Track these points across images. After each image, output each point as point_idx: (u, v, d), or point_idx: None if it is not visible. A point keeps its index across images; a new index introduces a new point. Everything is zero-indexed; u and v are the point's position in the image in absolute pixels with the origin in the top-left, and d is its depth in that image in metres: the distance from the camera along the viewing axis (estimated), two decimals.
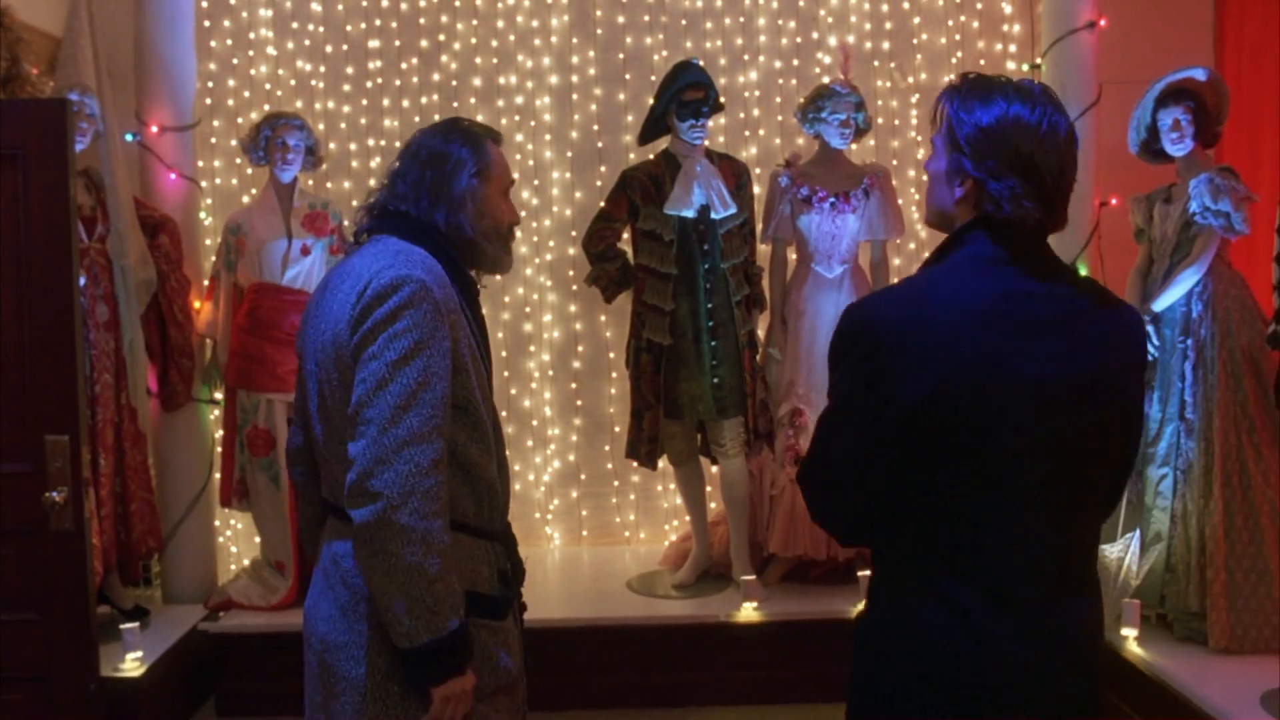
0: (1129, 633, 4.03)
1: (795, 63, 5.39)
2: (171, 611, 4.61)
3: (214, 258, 4.76)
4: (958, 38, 5.41)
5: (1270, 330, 3.58)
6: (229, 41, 5.32)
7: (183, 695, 4.40)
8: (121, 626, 4.03)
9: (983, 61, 5.38)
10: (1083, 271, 4.65)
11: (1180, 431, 4.06)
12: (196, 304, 4.66)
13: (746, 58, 5.39)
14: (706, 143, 4.58)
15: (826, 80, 4.75)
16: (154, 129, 4.62)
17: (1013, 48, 5.38)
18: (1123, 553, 4.17)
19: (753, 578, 4.49)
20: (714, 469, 4.75)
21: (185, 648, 4.37)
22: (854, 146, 4.74)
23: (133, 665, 4.00)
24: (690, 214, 4.46)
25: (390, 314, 1.98)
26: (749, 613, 4.39)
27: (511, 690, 2.20)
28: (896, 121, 5.38)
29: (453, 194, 2.15)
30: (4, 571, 3.35)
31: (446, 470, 2.00)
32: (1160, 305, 4.13)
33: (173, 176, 4.64)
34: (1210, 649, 3.92)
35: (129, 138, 4.60)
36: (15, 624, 3.39)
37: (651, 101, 4.61)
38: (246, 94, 5.34)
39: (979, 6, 5.39)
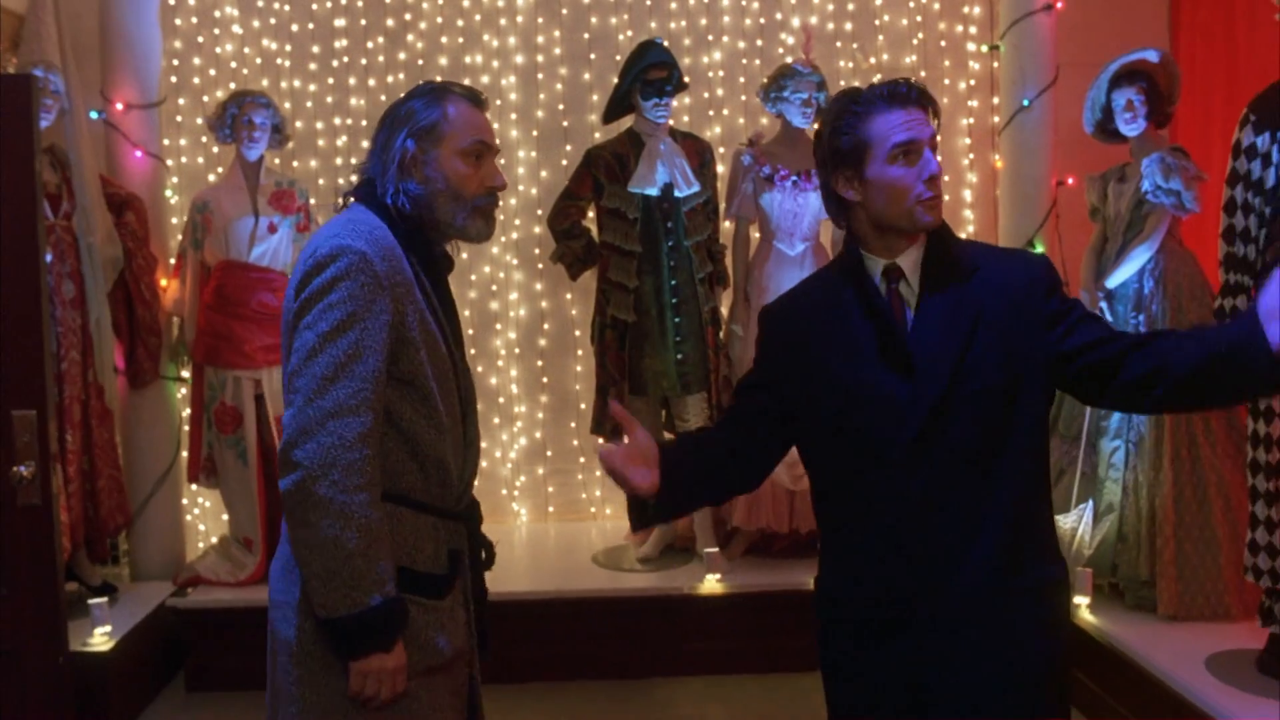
0: (1081, 600, 4.13)
1: (759, 43, 5.45)
2: (140, 588, 4.63)
3: (180, 236, 4.77)
4: (919, 19, 5.48)
5: (1216, 305, 3.67)
6: (194, 19, 5.32)
7: (152, 670, 4.43)
8: (90, 601, 4.06)
9: (943, 43, 5.46)
10: (1039, 249, 4.75)
11: None
12: (163, 282, 4.68)
13: (711, 38, 5.44)
14: (670, 121, 4.63)
15: (789, 60, 4.80)
16: (119, 106, 4.62)
17: (973, 29, 5.46)
18: (1076, 523, 4.27)
19: (716, 551, 4.57)
20: None
21: (154, 623, 4.40)
22: (816, 125, 4.79)
23: (101, 640, 4.03)
24: (654, 192, 4.51)
25: (326, 284, 1.96)
26: (712, 585, 4.46)
27: (449, 670, 2.14)
28: None
29: (395, 156, 2.09)
30: None
31: (376, 444, 1.97)
32: (1113, 282, 4.22)
33: (138, 154, 4.65)
34: (1159, 616, 4.03)
35: (94, 115, 4.60)
36: None
37: (616, 81, 4.66)
38: (212, 72, 5.34)
39: None
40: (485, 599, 2.27)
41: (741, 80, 5.42)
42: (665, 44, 4.65)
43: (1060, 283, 2.07)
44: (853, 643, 2.06)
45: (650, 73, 4.47)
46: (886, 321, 2.01)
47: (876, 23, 5.46)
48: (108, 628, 4.06)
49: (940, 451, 1.95)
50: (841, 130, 2.01)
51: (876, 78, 5.46)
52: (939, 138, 2.04)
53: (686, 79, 4.71)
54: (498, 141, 2.17)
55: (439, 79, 2.35)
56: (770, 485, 4.54)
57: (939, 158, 2.02)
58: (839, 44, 5.44)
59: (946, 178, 5.29)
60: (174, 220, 5.01)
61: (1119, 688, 3.85)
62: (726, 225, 4.82)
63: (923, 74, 5.35)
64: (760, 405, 2.13)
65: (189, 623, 4.46)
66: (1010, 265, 2.06)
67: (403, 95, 2.18)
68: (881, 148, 1.97)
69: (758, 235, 4.80)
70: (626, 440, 2.01)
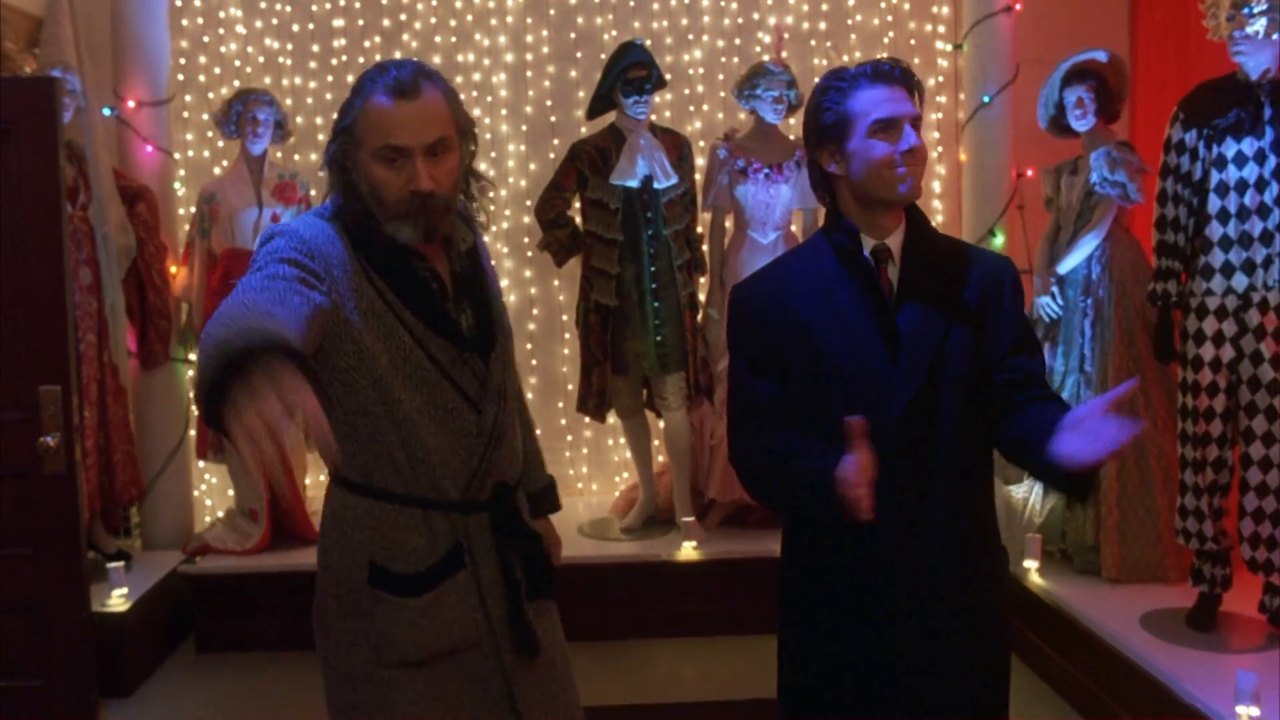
0: (1031, 565, 4.43)
1: (737, 42, 5.73)
2: (152, 557, 4.93)
3: (188, 225, 5.06)
4: (890, 19, 5.76)
5: (1149, 289, 3.95)
6: (200, 20, 5.60)
7: (164, 632, 4.73)
8: (108, 565, 4.36)
9: (913, 41, 5.74)
10: (999, 238, 5.03)
11: (1080, 383, 4.45)
12: (173, 269, 4.96)
13: (691, 37, 5.72)
14: (652, 117, 4.91)
15: (764, 59, 5.08)
16: (130, 104, 4.90)
17: (941, 28, 5.74)
18: (1027, 493, 4.57)
19: (693, 520, 4.87)
20: (660, 423, 5.10)
21: (166, 588, 4.70)
22: (792, 121, 5.08)
23: (119, 601, 4.33)
24: (634, 184, 4.79)
25: (261, 256, 1.94)
26: (690, 552, 4.76)
27: (442, 664, 2.09)
28: None
29: (325, 158, 2.04)
30: (1, 511, 3.67)
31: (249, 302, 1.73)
32: (1064, 268, 4.51)
33: (149, 149, 4.93)
34: (1103, 578, 4.32)
35: (106, 112, 4.88)
36: (11, 559, 3.69)
37: (599, 79, 4.94)
38: (217, 70, 5.62)
39: None
40: (524, 586, 2.17)
41: (720, 77, 5.70)
42: (646, 44, 4.93)
43: (1023, 292, 2.16)
44: (816, 624, 2.11)
45: (631, 72, 4.74)
46: (881, 301, 2.04)
47: (849, 22, 5.74)
48: (124, 590, 4.35)
49: (922, 436, 2.00)
50: (825, 106, 2.06)
51: (849, 67, 5.74)
52: (921, 118, 2.06)
53: (668, 76, 4.99)
54: (435, 136, 1.97)
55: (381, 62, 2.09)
56: None
57: (920, 136, 2.04)
58: (813, 43, 5.72)
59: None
60: (181, 211, 5.30)
61: (1064, 645, 4.15)
62: (704, 215, 5.11)
63: None
64: (777, 390, 2.11)
65: (199, 588, 4.75)
66: (984, 262, 2.13)
67: None
68: (863, 121, 2.00)
69: (732, 224, 5.08)
70: (859, 459, 1.87)
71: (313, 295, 1.85)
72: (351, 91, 2.03)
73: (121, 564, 4.42)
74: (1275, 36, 3.52)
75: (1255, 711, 3.06)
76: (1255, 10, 3.51)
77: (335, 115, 2.05)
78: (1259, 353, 3.62)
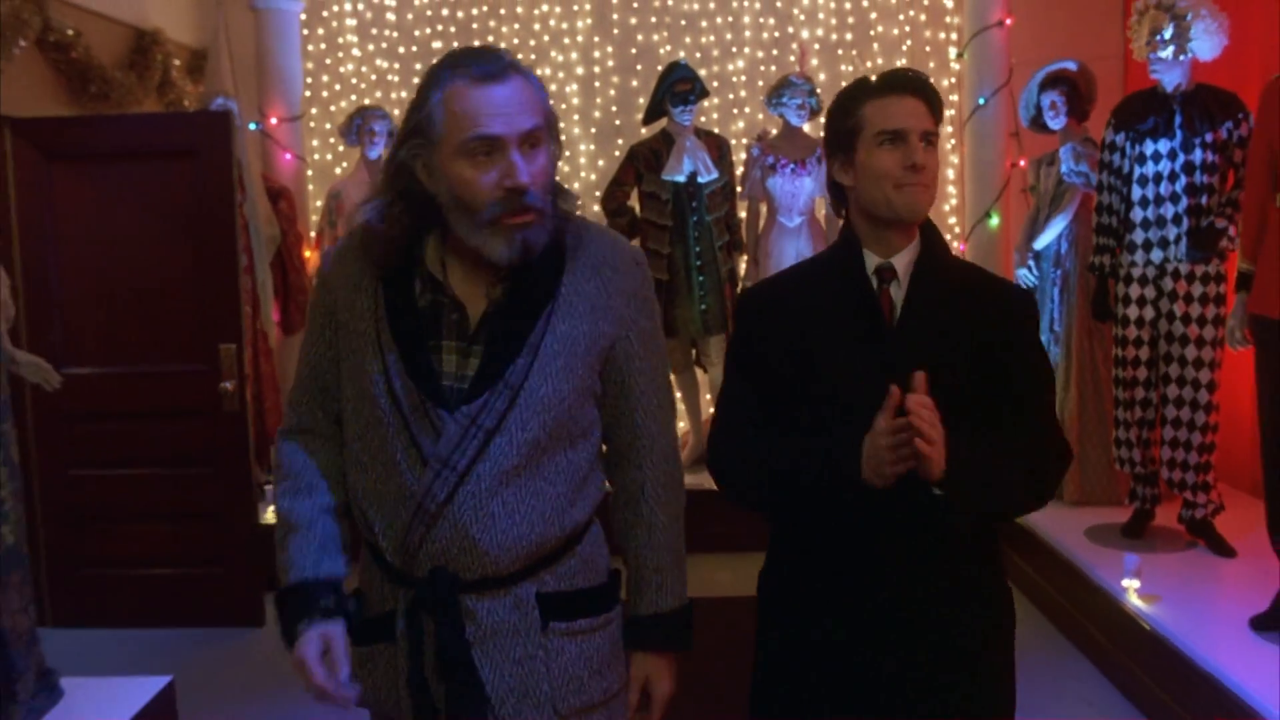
0: None
1: (775, 52, 6.68)
2: None
3: (318, 217, 6.18)
4: (908, 29, 6.65)
5: (1089, 261, 4.83)
6: (323, 46, 6.72)
7: None
8: (266, 487, 5.50)
9: (928, 48, 6.62)
10: (994, 220, 5.92)
11: (1050, 341, 5.34)
12: (307, 253, 6.09)
13: (734, 49, 6.69)
14: (701, 119, 5.88)
15: (792, 71, 6.03)
16: (273, 120, 6.03)
17: (954, 35, 6.61)
18: None
19: None
20: (705, 376, 6.10)
21: None
22: (810, 125, 6.02)
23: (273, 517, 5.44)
24: (681, 179, 5.78)
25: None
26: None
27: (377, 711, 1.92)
28: None
29: (392, 168, 1.80)
30: (189, 439, 4.80)
31: (294, 442, 1.91)
32: (1039, 244, 5.38)
33: (287, 156, 6.06)
34: (1065, 502, 5.22)
35: (253, 127, 6.02)
36: (198, 477, 4.84)
37: (652, 91, 5.93)
38: (337, 87, 6.75)
39: (925, 2, 6.62)
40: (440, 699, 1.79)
41: (760, 84, 6.66)
42: (687, 63, 5.91)
43: (1037, 324, 2.09)
44: (798, 628, 2.03)
45: (677, 85, 5.73)
46: (874, 322, 1.96)
47: (871, 33, 6.65)
48: None
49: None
50: (838, 115, 2.01)
51: (872, 77, 6.65)
52: (935, 133, 1.97)
53: (715, 84, 5.95)
54: (530, 124, 1.70)
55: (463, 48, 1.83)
56: None
57: (932, 152, 1.96)
58: (840, 51, 6.65)
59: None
60: (313, 205, 6.43)
61: (1026, 557, 5.06)
62: (741, 203, 6.08)
63: None
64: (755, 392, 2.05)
65: None
66: (1002, 294, 2.03)
67: None
68: (870, 132, 1.94)
69: (765, 211, 6.05)
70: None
71: (323, 367, 1.88)
72: (421, 87, 1.73)
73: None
74: (1182, 59, 4.37)
75: (1137, 584, 4.00)
76: (1165, 38, 4.37)
77: (401, 121, 1.76)
78: (1172, 312, 4.48)
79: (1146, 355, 4.62)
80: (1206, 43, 4.34)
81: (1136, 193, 4.55)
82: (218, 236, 4.70)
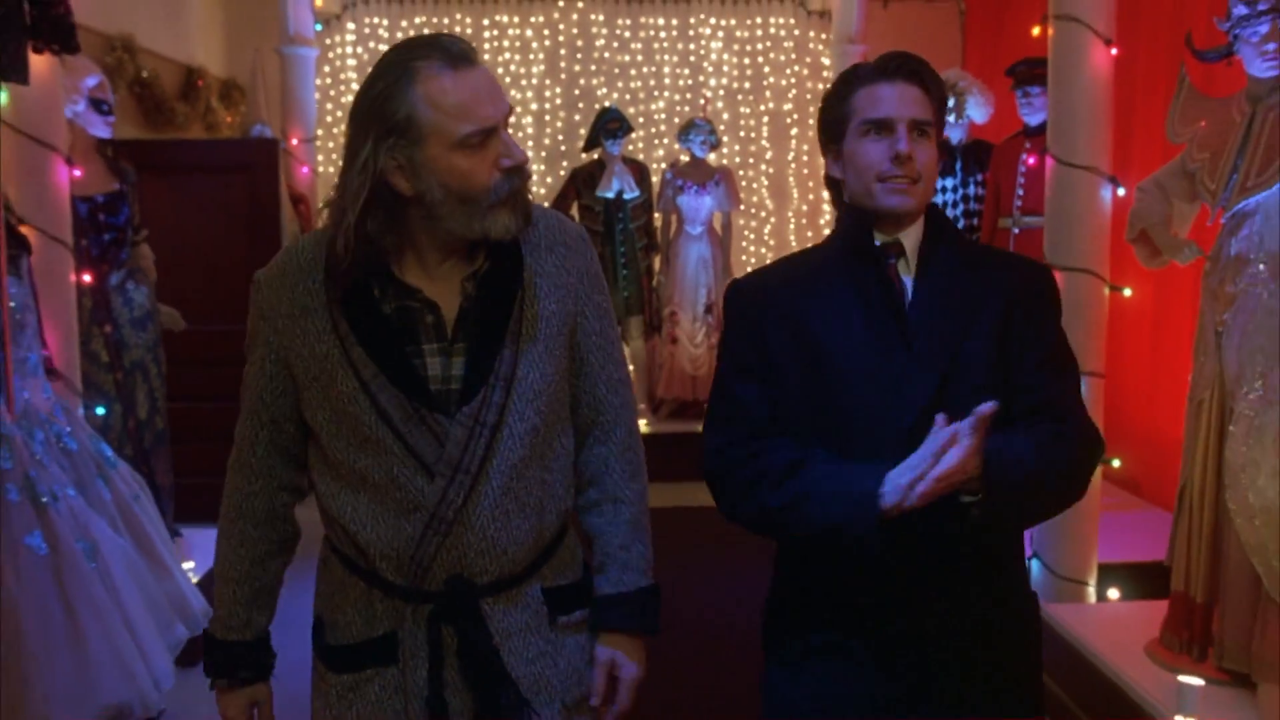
0: None
1: (688, 96, 8.47)
2: None
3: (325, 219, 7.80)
4: (794, 80, 8.46)
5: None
6: (329, 80, 8.39)
7: None
8: None
9: (808, 95, 8.43)
10: None
11: None
12: None
13: (656, 93, 8.48)
14: (628, 147, 7.63)
15: (695, 116, 7.83)
16: (293, 141, 7.67)
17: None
18: None
19: (645, 406, 7.64)
20: (629, 350, 7.84)
21: None
22: (713, 155, 7.81)
23: None
24: (611, 195, 7.52)
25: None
26: (644, 428, 7.33)
27: None
28: (751, 134, 8.50)
29: (366, 175, 1.66)
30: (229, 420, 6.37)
31: (243, 474, 1.83)
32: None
33: (304, 169, 7.71)
34: None
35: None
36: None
37: (589, 128, 7.68)
38: (339, 114, 8.42)
39: (808, 60, 8.44)
40: (464, 708, 1.78)
41: (675, 121, 8.42)
42: (616, 108, 7.66)
43: (1059, 301, 1.93)
44: (807, 661, 1.91)
45: (609, 124, 7.46)
46: (890, 294, 1.85)
47: (765, 82, 8.46)
48: None
49: None
50: (829, 105, 1.92)
51: (765, 119, 8.48)
52: (930, 122, 1.84)
53: (640, 119, 7.71)
54: (508, 104, 1.70)
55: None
56: (679, 370, 7.57)
57: (925, 143, 1.83)
58: (739, 96, 8.45)
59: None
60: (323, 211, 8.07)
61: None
62: (656, 215, 7.85)
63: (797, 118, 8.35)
64: (762, 393, 1.90)
65: None
66: (1016, 269, 1.94)
67: (370, 71, 1.68)
68: (856, 120, 1.85)
69: (675, 221, 7.82)
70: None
71: (268, 400, 1.79)
72: (385, 85, 1.63)
73: None
74: (961, 121, 6.20)
75: None
76: (950, 106, 6.20)
77: (355, 118, 1.67)
78: None
79: None
80: (978, 111, 6.19)
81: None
82: (266, 234, 6.36)
